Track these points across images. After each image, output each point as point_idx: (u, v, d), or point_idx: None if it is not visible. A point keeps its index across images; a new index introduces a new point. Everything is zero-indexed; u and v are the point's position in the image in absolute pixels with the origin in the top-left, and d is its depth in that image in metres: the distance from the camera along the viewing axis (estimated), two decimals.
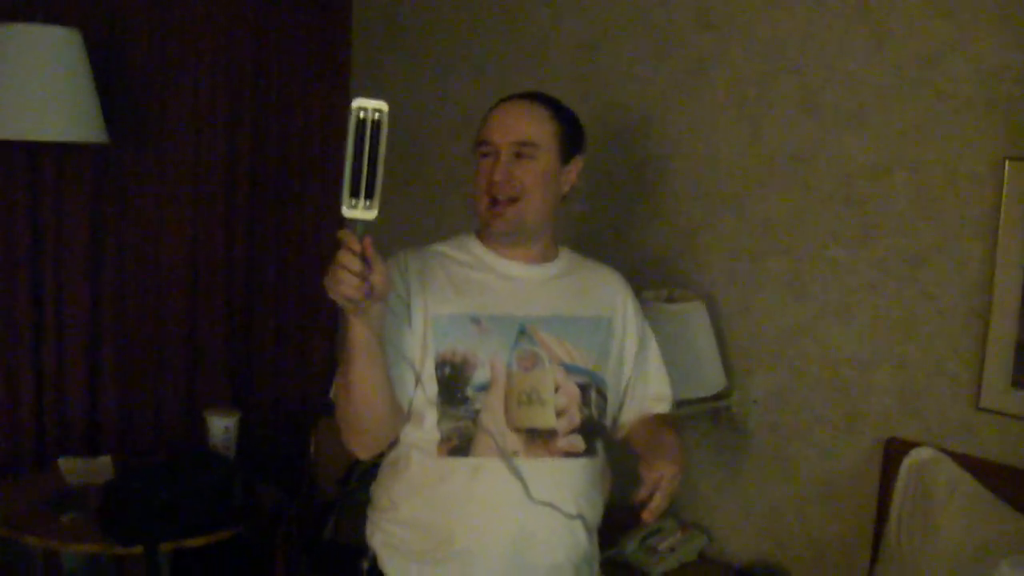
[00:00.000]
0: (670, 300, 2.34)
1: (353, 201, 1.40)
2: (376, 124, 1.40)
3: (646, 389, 1.95)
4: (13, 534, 2.38)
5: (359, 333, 1.57)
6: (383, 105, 1.40)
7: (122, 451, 3.00)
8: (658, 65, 2.59)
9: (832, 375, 2.30)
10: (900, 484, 2.12)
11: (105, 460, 2.74)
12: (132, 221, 3.04)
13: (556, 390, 1.76)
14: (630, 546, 2.40)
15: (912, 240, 2.15)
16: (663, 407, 1.97)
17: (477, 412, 1.74)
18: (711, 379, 2.31)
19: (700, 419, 2.50)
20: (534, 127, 1.81)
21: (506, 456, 1.71)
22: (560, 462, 1.76)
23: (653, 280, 2.55)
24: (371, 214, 1.42)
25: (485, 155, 1.81)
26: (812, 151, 2.29)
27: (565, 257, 1.94)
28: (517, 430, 1.73)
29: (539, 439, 1.74)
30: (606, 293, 1.93)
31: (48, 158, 2.81)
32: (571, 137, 1.86)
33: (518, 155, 1.78)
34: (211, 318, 3.23)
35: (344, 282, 1.45)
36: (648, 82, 2.61)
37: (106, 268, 2.99)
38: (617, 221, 2.69)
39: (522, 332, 1.79)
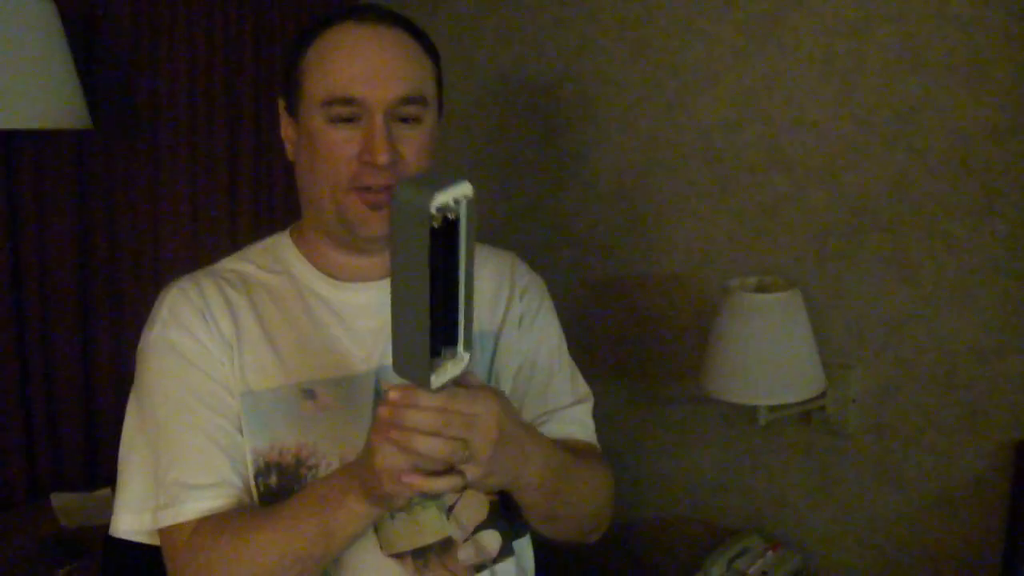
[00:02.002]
0: (761, 289, 2.01)
1: (436, 361, 0.92)
2: (451, 226, 0.89)
3: (558, 402, 1.41)
4: None
5: (367, 515, 1.08)
6: (465, 190, 0.89)
7: None
8: (721, 15, 2.25)
9: (948, 368, 1.98)
10: None
11: (105, 493, 2.40)
12: (125, 219, 2.70)
13: None
14: (716, 571, 2.09)
15: None
16: (587, 420, 1.44)
17: None
18: (810, 380, 1.99)
19: (789, 422, 2.19)
20: (419, 72, 1.26)
21: None
22: None
23: (728, 264, 2.23)
24: (464, 361, 0.96)
25: (343, 119, 1.23)
26: (919, 108, 1.96)
27: None
28: (399, 556, 1.21)
29: (434, 559, 1.23)
30: (486, 292, 1.40)
31: (25, 150, 2.46)
32: (440, 80, 1.34)
33: (397, 118, 1.24)
34: None
35: (423, 451, 0.95)
36: (710, 35, 2.27)
37: (97, 273, 2.65)
38: (677, 201, 2.36)
39: (379, 395, 1.26)
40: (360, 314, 1.32)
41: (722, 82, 2.25)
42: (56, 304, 2.58)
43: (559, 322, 1.51)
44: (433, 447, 0.96)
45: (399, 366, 0.93)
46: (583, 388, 1.48)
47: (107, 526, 2.11)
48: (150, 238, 2.75)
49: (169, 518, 1.21)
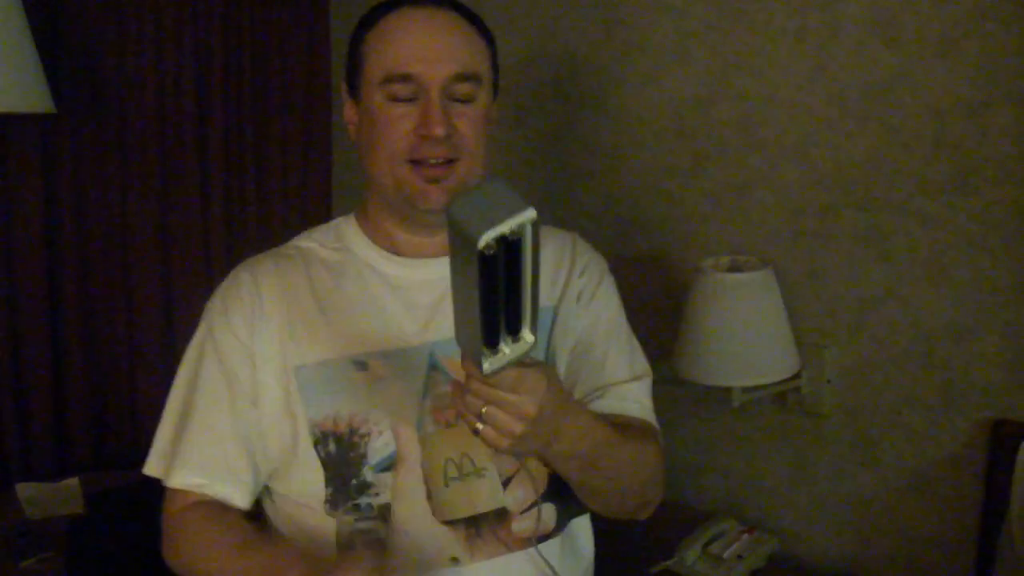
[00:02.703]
0: (733, 269, 1.98)
1: (490, 351, 0.97)
2: (513, 246, 0.91)
3: (615, 377, 1.43)
4: None
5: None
6: (527, 216, 0.89)
7: (96, 467, 2.62)
8: None
9: (923, 347, 1.95)
10: (1020, 474, 1.79)
11: (72, 484, 2.36)
12: (93, 204, 2.65)
13: None
14: (690, 555, 2.07)
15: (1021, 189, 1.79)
16: (643, 398, 1.47)
17: (386, 506, 1.25)
18: (784, 360, 1.97)
19: (763, 404, 2.16)
20: (473, 52, 1.32)
21: (441, 567, 1.24)
22: (522, 559, 1.29)
23: (701, 243, 2.20)
24: (527, 344, 0.99)
25: (400, 98, 1.28)
26: (892, 83, 1.93)
27: None
28: (451, 523, 1.25)
29: (487, 529, 1.26)
30: (547, 270, 1.40)
31: None
32: (495, 62, 1.39)
33: (453, 97, 1.29)
34: (190, 311, 2.82)
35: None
36: (680, 11, 2.23)
37: (66, 259, 2.61)
38: (649, 180, 2.32)
39: (434, 368, 1.30)
40: (417, 289, 1.35)
41: (693, 59, 2.21)
42: (24, 290, 2.55)
43: (620, 299, 1.53)
44: (470, 405, 1.04)
45: (460, 342, 1.01)
46: (642, 365, 1.49)
47: (72, 517, 2.10)
48: (119, 224, 2.71)
49: (177, 479, 1.31)
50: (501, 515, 1.27)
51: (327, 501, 1.27)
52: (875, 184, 1.97)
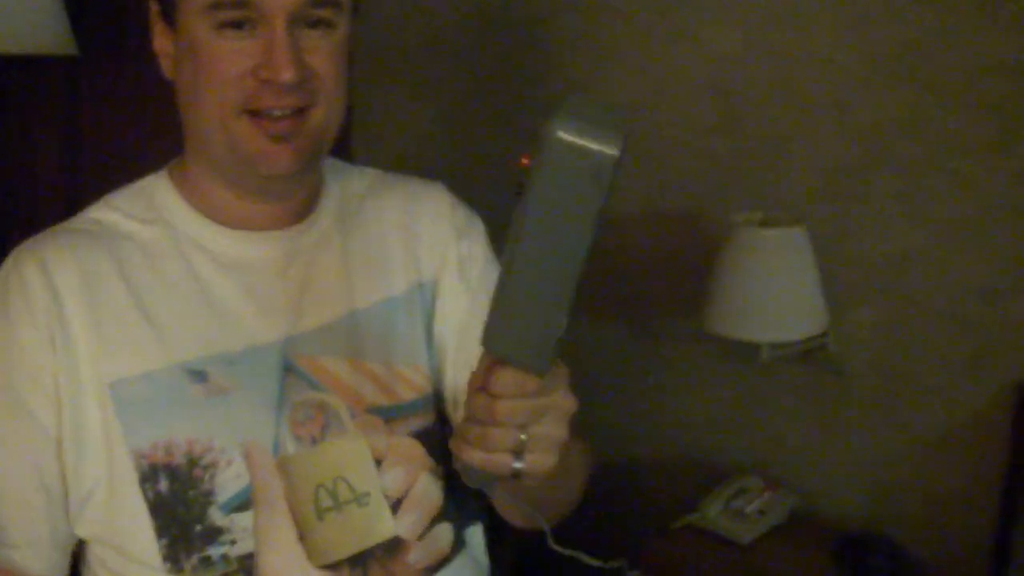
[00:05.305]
0: (765, 224, 1.97)
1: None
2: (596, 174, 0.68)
3: None
4: None
5: None
6: (615, 145, 0.67)
7: None
8: None
9: (954, 308, 1.96)
10: None
11: None
12: (113, 155, 2.63)
13: (380, 463, 0.87)
14: (713, 510, 2.08)
15: None
16: None
17: (247, 556, 0.97)
18: (813, 317, 1.96)
19: (790, 361, 2.16)
20: None
21: None
22: None
23: (733, 200, 2.19)
24: (562, 325, 0.75)
25: (233, 24, 0.96)
26: (931, 41, 1.91)
27: (334, 187, 1.14)
28: (333, 567, 0.90)
29: (376, 566, 0.93)
30: (422, 232, 1.16)
31: (10, 75, 2.39)
32: None
33: (308, 24, 0.98)
34: None
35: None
36: None
37: (86, 206, 2.59)
38: (682, 135, 2.31)
39: (289, 370, 1.03)
40: (259, 270, 1.06)
41: (730, 13, 2.19)
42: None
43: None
44: (504, 439, 0.80)
45: (503, 342, 0.76)
46: None
47: None
48: (139, 168, 2.69)
49: None
50: (393, 546, 0.93)
51: (166, 558, 0.97)
52: (912, 144, 1.96)
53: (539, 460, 0.81)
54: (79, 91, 2.54)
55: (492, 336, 0.76)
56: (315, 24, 0.98)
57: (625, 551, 1.98)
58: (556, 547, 1.04)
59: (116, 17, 2.56)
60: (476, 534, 1.19)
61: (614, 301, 2.47)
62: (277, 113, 0.98)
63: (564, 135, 0.66)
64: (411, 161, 2.62)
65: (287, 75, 0.95)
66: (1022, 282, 1.86)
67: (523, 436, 0.79)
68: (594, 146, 0.66)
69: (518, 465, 0.81)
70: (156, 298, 1.02)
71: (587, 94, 0.72)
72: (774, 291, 1.92)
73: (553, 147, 0.67)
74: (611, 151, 0.66)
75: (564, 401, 0.81)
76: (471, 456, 0.81)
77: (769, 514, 2.08)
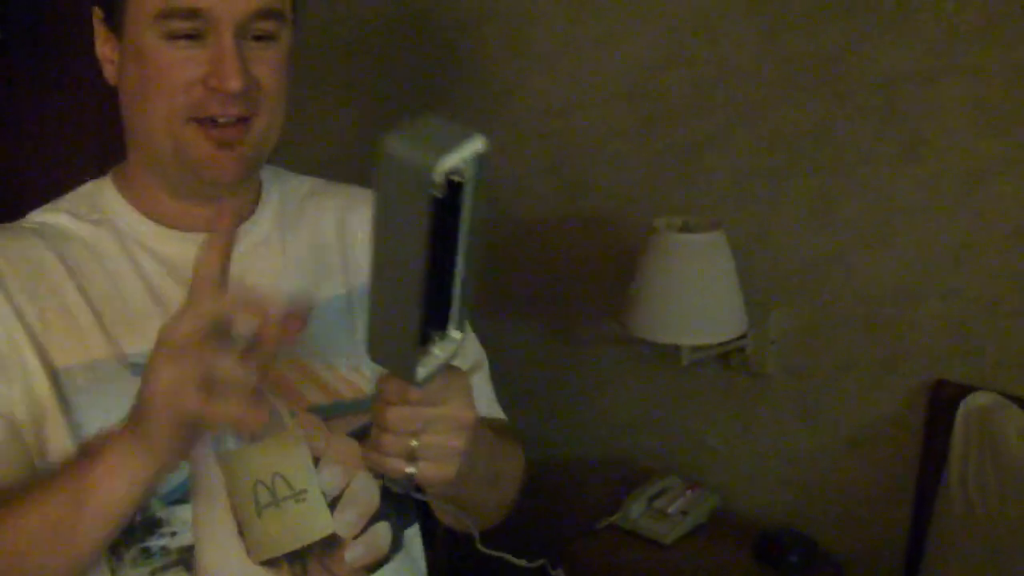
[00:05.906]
0: (684, 229, 2.01)
1: (423, 348, 0.78)
2: (455, 190, 0.73)
3: None
4: None
5: (127, 468, 0.84)
6: (476, 146, 0.74)
7: None
8: None
9: (867, 311, 2.01)
10: (959, 433, 1.86)
11: None
12: (30, 144, 2.57)
13: (317, 462, 0.99)
14: (635, 510, 2.11)
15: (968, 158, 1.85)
16: (489, 392, 1.24)
17: (187, 548, 0.98)
18: (732, 321, 2.00)
19: (708, 363, 2.21)
20: None
21: None
22: None
23: (654, 205, 2.22)
24: (455, 343, 0.81)
25: (183, 35, 0.99)
26: (843, 52, 1.97)
27: (274, 192, 1.18)
28: (271, 563, 0.99)
29: (314, 563, 1.01)
30: (359, 237, 1.19)
31: None
32: None
33: (254, 36, 1.02)
34: None
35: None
36: None
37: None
38: (599, 142, 2.34)
39: None
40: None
41: (650, 22, 2.22)
42: None
43: None
44: (394, 445, 0.85)
45: (377, 351, 0.79)
46: (475, 350, 1.25)
47: None
48: (58, 163, 2.63)
49: None
50: (330, 544, 1.01)
51: (106, 554, 0.97)
52: (823, 151, 2.02)
53: (433, 468, 0.86)
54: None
55: (368, 345, 0.79)
56: (260, 37, 1.02)
57: (550, 551, 2.01)
58: (483, 548, 1.07)
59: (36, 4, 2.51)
60: (415, 535, 1.20)
61: (536, 303, 2.49)
62: (222, 120, 1.02)
63: (390, 149, 0.70)
64: (333, 166, 2.60)
65: (235, 84, 0.98)
66: (932, 285, 1.92)
67: (414, 443, 0.84)
68: (416, 159, 0.69)
69: (410, 470, 0.85)
70: (100, 292, 1.04)
71: (438, 115, 0.75)
72: (694, 295, 1.95)
73: (382, 161, 0.71)
74: (431, 163, 0.69)
75: (461, 412, 0.86)
76: (367, 458, 0.87)
77: (691, 514, 2.11)
